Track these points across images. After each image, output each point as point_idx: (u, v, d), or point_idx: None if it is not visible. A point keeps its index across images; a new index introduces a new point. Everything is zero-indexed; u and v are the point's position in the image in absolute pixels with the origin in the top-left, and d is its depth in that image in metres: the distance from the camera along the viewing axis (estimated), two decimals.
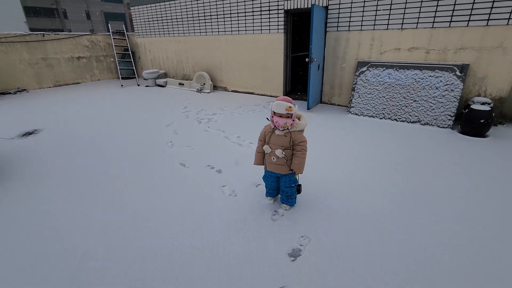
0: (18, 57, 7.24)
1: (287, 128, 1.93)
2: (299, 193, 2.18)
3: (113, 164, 3.11)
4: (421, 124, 4.18)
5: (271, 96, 6.37)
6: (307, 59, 4.79)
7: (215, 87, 7.34)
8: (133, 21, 8.64)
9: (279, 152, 1.94)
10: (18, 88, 7.33)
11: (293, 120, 1.92)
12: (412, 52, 4.40)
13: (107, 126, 4.45)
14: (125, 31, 9.08)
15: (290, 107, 1.85)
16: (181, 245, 1.89)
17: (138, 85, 8.09)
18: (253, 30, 6.04)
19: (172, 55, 8.10)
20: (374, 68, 4.59)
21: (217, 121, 4.58)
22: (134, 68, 8.70)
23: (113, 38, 8.68)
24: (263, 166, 2.19)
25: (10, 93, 7.08)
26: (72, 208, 2.33)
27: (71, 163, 3.17)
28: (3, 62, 7.01)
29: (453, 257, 1.74)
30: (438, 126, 4.05)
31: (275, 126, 1.94)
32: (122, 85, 8.02)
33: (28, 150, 3.52)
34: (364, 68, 4.68)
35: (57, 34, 7.91)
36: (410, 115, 4.27)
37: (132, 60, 8.72)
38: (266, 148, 2.00)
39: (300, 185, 2.16)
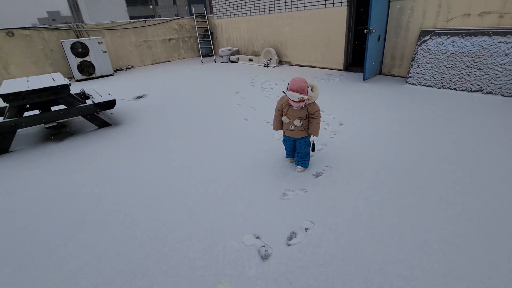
0: (128, 40, 9.18)
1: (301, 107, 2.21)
2: (313, 150, 2.45)
3: (195, 118, 4.19)
4: (483, 93, 4.07)
5: (331, 69, 6.70)
6: (365, 30, 4.99)
7: (280, 62, 7.97)
8: (213, 3, 9.77)
9: (297, 122, 2.23)
10: (128, 65, 9.36)
11: (306, 100, 2.10)
12: (483, 17, 4.18)
13: (190, 92, 5.65)
14: (205, 14, 10.32)
15: (301, 97, 2.04)
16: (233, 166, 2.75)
17: (215, 62, 9.31)
18: (318, 4, 6.37)
19: (244, 34, 8.99)
20: (437, 36, 4.52)
21: (277, 90, 5.29)
22: (212, 47, 9.95)
23: (196, 21, 10.03)
24: (281, 131, 2.50)
25: (122, 69, 9.14)
26: (171, 141, 3.44)
27: (167, 115, 4.38)
28: (119, 45, 9.03)
29: None
30: (503, 95, 3.90)
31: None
32: (202, 62, 9.37)
33: (140, 107, 4.91)
34: (427, 37, 4.65)
35: (155, 20, 9.62)
36: (472, 84, 4.17)
37: (210, 39, 9.97)
38: (285, 119, 2.27)
39: (314, 144, 2.45)
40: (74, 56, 7.61)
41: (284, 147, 2.58)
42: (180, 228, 1.93)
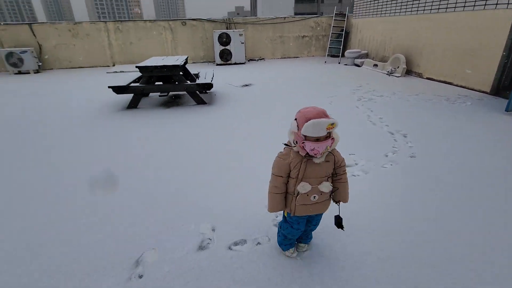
0: (266, 34, 10.17)
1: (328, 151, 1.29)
2: (343, 227, 1.45)
3: (275, 112, 4.36)
4: None
5: (472, 89, 5.14)
6: None
7: (408, 72, 6.78)
8: (355, 2, 9.26)
9: (326, 187, 1.34)
10: (260, 57, 10.43)
11: (333, 138, 1.26)
12: None
13: (292, 88, 5.80)
14: (346, 13, 9.94)
15: (333, 123, 1.19)
16: None
17: (338, 63, 8.94)
18: (473, 5, 4.94)
19: (377, 36, 8.11)
20: None
21: (376, 102, 4.64)
22: (341, 47, 9.55)
23: (334, 20, 9.83)
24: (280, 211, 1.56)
25: (254, 60, 10.28)
26: (245, 125, 3.79)
27: (255, 104, 4.75)
28: (256, 38, 10.16)
29: None
30: None
31: (307, 154, 1.27)
32: (325, 62, 9.22)
33: (241, 94, 5.53)
34: None
35: (293, 17, 10.15)
36: None
37: (342, 40, 9.58)
38: (303, 186, 1.31)
39: (341, 218, 1.47)
40: (219, 44, 9.21)
41: (287, 235, 1.57)
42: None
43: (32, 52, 8.31)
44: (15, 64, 8.20)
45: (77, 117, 4.27)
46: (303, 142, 1.23)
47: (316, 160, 1.30)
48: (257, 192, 2.14)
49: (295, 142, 1.29)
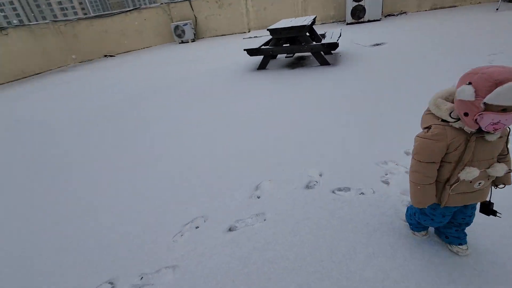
0: None
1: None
2: (495, 214, 1.20)
3: (415, 77, 3.89)
4: None
5: None
6: None
7: None
8: None
9: (500, 170, 1.06)
10: (401, 10, 8.93)
11: None
12: None
13: (440, 47, 4.88)
14: None
15: None
16: None
17: None
18: None
19: None
20: None
21: None
22: None
23: None
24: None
25: (393, 15, 8.92)
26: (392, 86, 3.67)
27: (387, 67, 4.36)
28: None
29: None
30: None
31: (478, 129, 0.99)
32: (497, 9, 6.95)
33: (369, 54, 5.13)
34: None
35: None
36: None
37: None
38: (471, 173, 1.05)
39: (492, 203, 1.20)
40: (351, 0, 8.47)
41: (423, 224, 1.37)
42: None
43: (191, 24, 10.24)
44: (179, 35, 10.37)
45: (221, 75, 5.18)
46: (481, 114, 0.92)
47: (489, 138, 1.00)
48: (370, 145, 2.15)
49: (462, 115, 0.98)
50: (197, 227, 1.78)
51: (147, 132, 3.30)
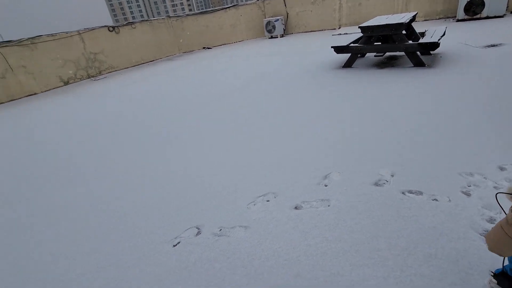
0: None
1: None
2: None
3: None
4: None
5: None
6: None
7: None
8: None
9: None
10: None
11: None
12: None
13: None
14: None
15: None
16: None
17: None
18: None
19: None
20: None
21: None
22: None
23: None
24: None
25: None
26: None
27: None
28: None
29: None
30: None
31: None
32: None
33: (482, 56, 4.48)
34: None
35: None
36: None
37: None
38: None
39: None
40: None
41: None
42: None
43: (282, 19, 10.59)
44: (270, 30, 10.87)
45: (304, 71, 5.34)
46: None
47: None
48: (457, 153, 2.03)
49: None
50: (267, 201, 2.06)
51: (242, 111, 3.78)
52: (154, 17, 10.98)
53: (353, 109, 3.34)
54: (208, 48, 11.18)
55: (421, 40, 4.34)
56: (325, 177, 2.19)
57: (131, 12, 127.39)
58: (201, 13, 11.08)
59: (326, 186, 2.09)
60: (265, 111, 3.78)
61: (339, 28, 10.07)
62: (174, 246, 1.78)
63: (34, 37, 7.65)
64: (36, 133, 4.50)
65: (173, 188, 2.40)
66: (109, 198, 2.41)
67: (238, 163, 2.62)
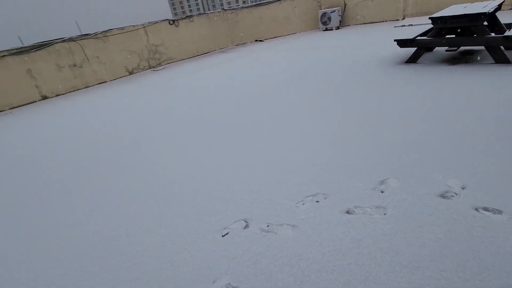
0: None
1: None
2: None
3: None
4: None
5: None
6: None
7: None
8: None
9: None
10: None
11: None
12: None
13: None
14: None
15: None
16: None
17: None
18: None
19: None
20: None
21: None
22: None
23: None
24: None
25: None
26: None
27: None
28: None
29: None
30: None
31: None
32: None
33: None
34: None
35: None
36: None
37: None
38: None
39: None
40: None
41: None
42: None
43: (338, 11, 10.07)
44: (325, 22, 10.43)
45: (360, 66, 5.02)
46: None
47: None
48: None
49: None
50: (317, 201, 1.99)
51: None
52: (210, 10, 11.33)
53: (417, 109, 3.04)
54: (260, 40, 11.19)
55: (507, 33, 3.74)
56: (382, 182, 2.04)
57: (189, 6, 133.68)
58: (255, 5, 11.11)
59: (382, 192, 1.95)
60: (316, 108, 3.66)
61: (403, 19, 9.23)
62: (223, 236, 1.84)
63: (107, 30, 8.48)
64: (107, 115, 5.03)
65: (224, 179, 2.48)
66: (177, 180, 2.59)
67: (288, 160, 2.58)
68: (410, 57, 4.67)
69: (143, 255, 1.81)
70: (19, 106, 7.34)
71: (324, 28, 10.52)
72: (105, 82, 8.58)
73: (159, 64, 9.65)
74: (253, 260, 1.62)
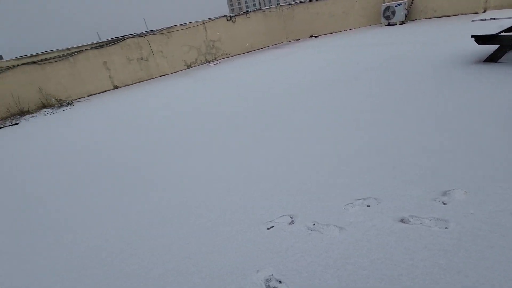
0: None
1: None
2: None
3: None
4: None
5: None
6: None
7: None
8: None
9: None
10: None
11: None
12: None
13: None
14: None
15: None
16: None
17: None
18: None
19: None
20: None
21: None
22: None
23: None
24: None
25: None
26: None
27: None
28: None
29: None
30: None
31: None
32: None
33: None
34: None
35: None
36: None
37: None
38: None
39: None
40: None
41: None
42: None
43: (405, 4, 9.27)
44: (388, 16, 9.70)
45: (427, 65, 4.58)
46: None
47: None
48: None
49: None
50: (368, 206, 1.90)
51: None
52: (266, 6, 11.38)
53: (498, 116, 2.68)
54: (316, 36, 10.92)
55: None
56: (445, 193, 1.86)
57: (245, 1, 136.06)
58: (312, 0, 10.84)
59: (444, 204, 1.78)
60: (373, 109, 3.46)
61: (484, 11, 8.11)
62: (268, 229, 1.88)
63: (170, 26, 9.12)
64: (168, 104, 5.47)
65: (272, 174, 2.51)
66: (222, 171, 2.73)
67: (340, 159, 2.51)
68: (490, 56, 4.11)
69: (192, 236, 1.95)
70: (95, 94, 8.38)
71: (386, 23, 9.81)
72: (166, 74, 9.28)
73: (215, 59, 10.08)
74: (297, 256, 1.62)
